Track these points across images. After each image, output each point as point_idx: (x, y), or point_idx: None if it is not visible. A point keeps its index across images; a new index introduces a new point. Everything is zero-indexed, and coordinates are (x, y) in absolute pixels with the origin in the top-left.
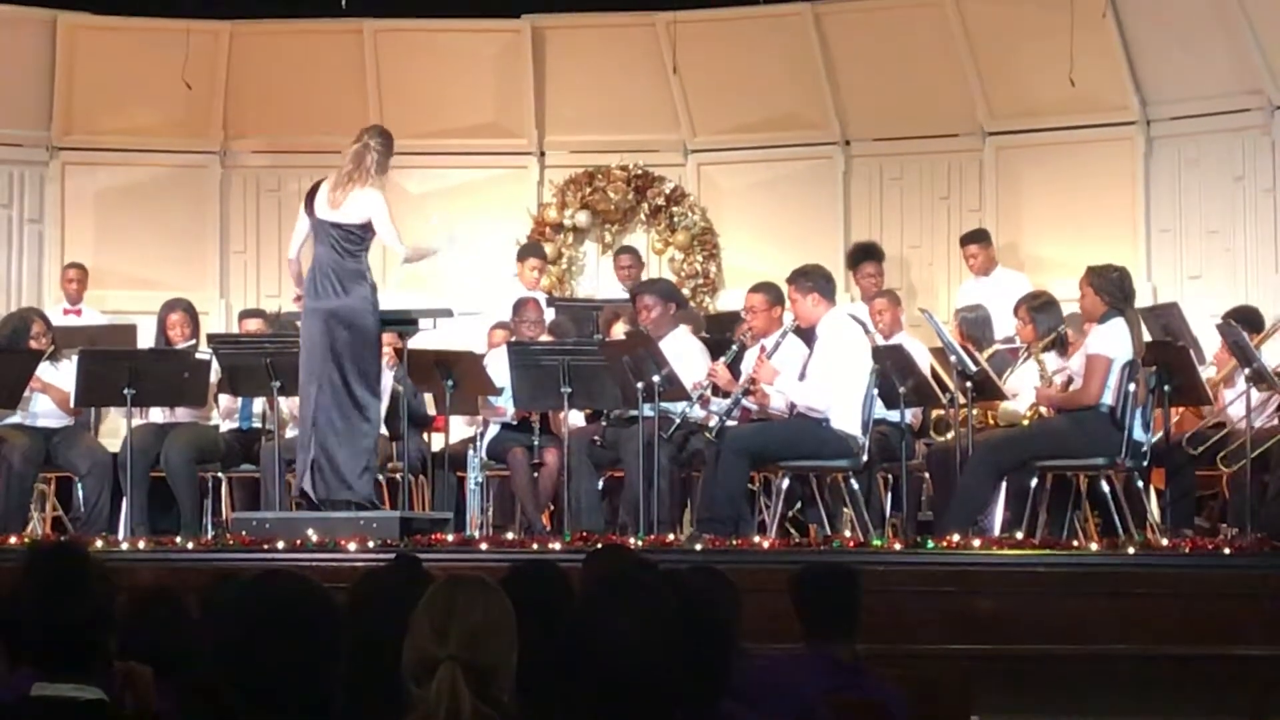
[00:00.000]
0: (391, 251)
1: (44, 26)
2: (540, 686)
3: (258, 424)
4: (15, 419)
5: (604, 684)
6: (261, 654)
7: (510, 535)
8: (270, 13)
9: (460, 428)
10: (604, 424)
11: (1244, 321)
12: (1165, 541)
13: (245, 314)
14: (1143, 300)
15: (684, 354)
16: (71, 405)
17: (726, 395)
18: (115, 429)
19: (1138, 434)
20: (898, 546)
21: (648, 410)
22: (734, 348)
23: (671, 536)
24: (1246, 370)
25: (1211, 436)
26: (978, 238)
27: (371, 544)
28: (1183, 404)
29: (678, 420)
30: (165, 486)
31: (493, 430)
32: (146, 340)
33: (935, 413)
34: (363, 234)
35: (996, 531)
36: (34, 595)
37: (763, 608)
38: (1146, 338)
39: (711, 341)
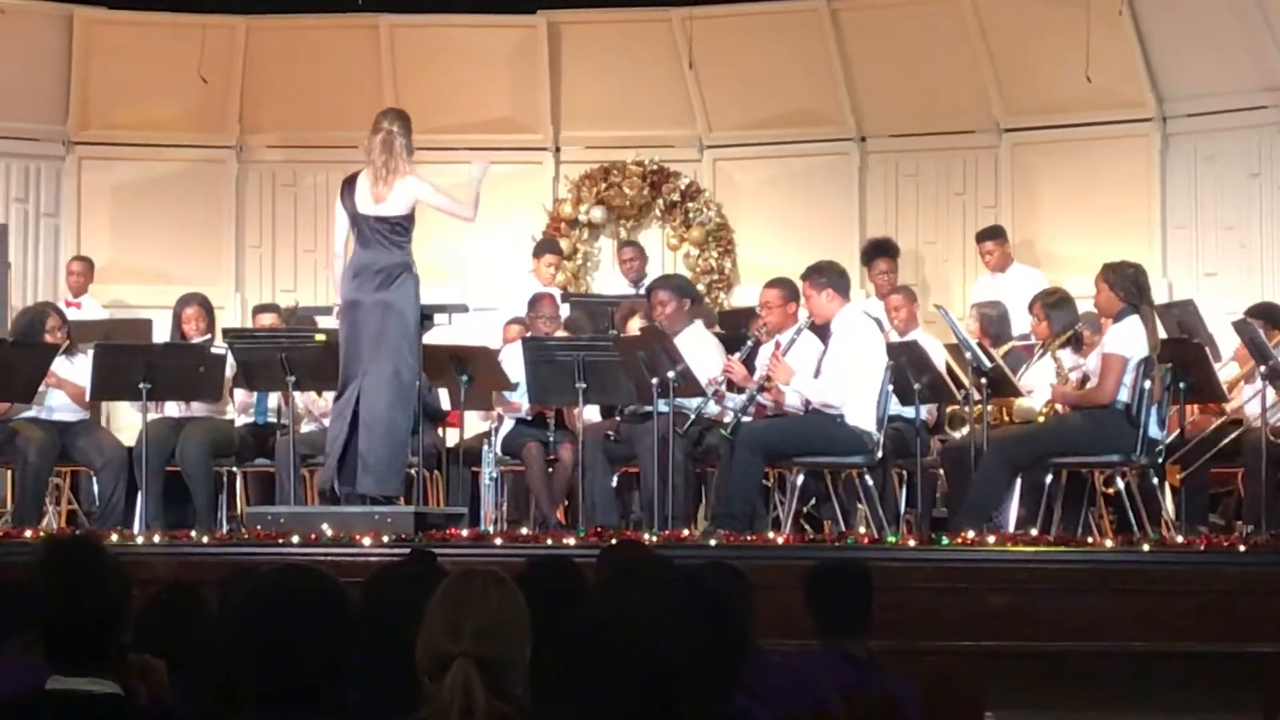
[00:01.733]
0: (463, 217)
1: (60, 21)
2: (554, 682)
3: (273, 419)
4: (30, 413)
5: (618, 679)
6: (276, 648)
7: (525, 530)
8: (286, 7)
9: (475, 423)
10: (619, 419)
11: (1265, 318)
12: (1180, 539)
13: (260, 308)
14: (1158, 297)
15: (699, 349)
16: (87, 399)
17: (741, 391)
18: (126, 423)
19: (1153, 431)
20: (912, 543)
21: (663, 406)
22: (749, 343)
23: (686, 532)
24: (1262, 368)
25: (1203, 454)
26: (993, 234)
27: (386, 539)
28: (1198, 401)
29: (693, 417)
30: (180, 481)
31: (507, 425)
32: (162, 335)
33: (950, 409)
34: (407, 225)
35: (1011, 528)
36: (49, 589)
37: (777, 604)
38: (1162, 335)
39: (726, 337)
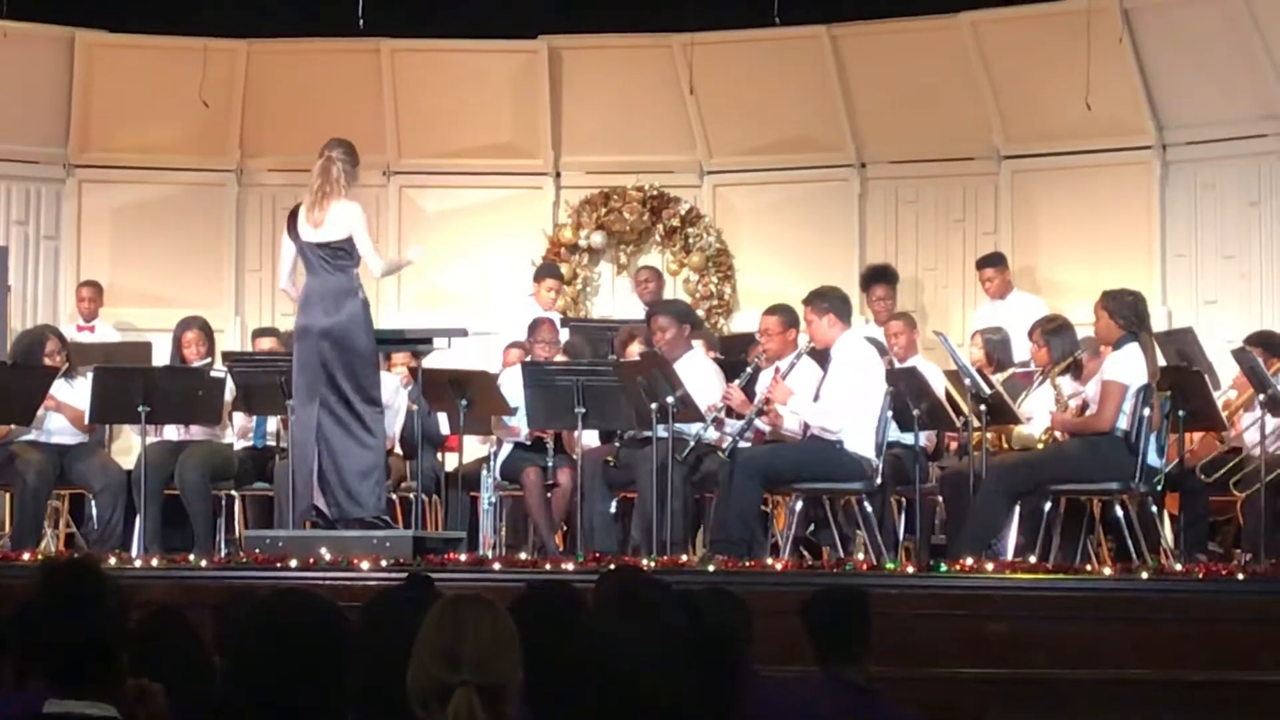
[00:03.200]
0: (369, 264)
1: (62, 44)
2: (552, 706)
3: (272, 442)
4: (29, 436)
5: (615, 704)
6: (274, 672)
7: (523, 556)
8: (288, 31)
9: (474, 447)
10: (618, 445)
11: (1265, 346)
12: (1179, 566)
13: (259, 332)
14: (1158, 325)
15: (698, 375)
16: (86, 422)
17: (740, 417)
18: (127, 446)
19: (1152, 459)
20: (911, 570)
21: (661, 431)
22: (748, 370)
23: (684, 558)
24: (1261, 396)
25: (1227, 462)
26: (994, 261)
27: (384, 563)
28: (1197, 429)
29: (692, 443)
30: (179, 504)
31: (506, 450)
32: (161, 358)
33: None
34: (349, 249)
35: (1010, 555)
36: (47, 612)
37: (775, 629)
38: (1161, 362)
39: (725, 363)
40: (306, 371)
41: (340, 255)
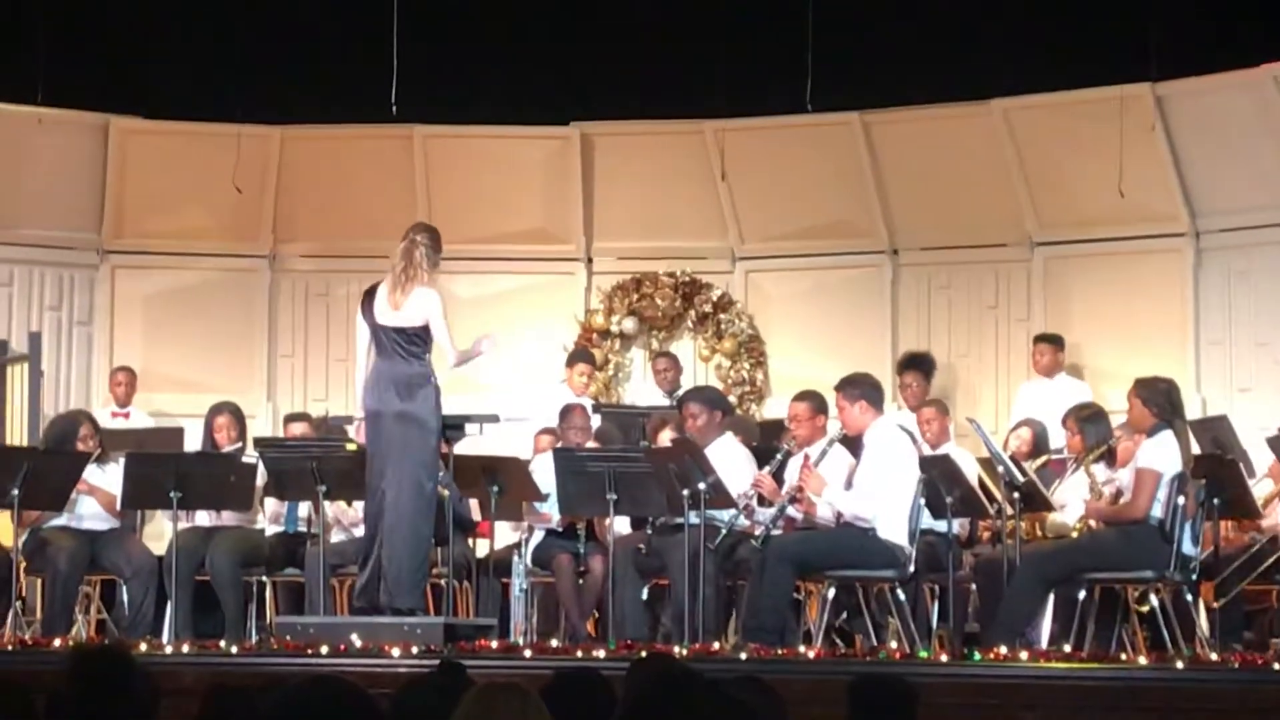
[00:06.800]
0: (442, 353)
1: (96, 130)
2: None
3: (303, 528)
4: (61, 521)
5: None
6: None
7: (554, 643)
8: (321, 118)
9: (505, 533)
10: (649, 531)
11: None
12: (1215, 656)
13: (291, 418)
14: (1192, 412)
15: (730, 461)
16: (118, 508)
17: (772, 504)
18: (160, 531)
19: (1187, 547)
20: (944, 658)
21: (694, 518)
22: (778, 456)
23: (716, 645)
24: None
25: (1264, 557)
26: (1051, 340)
27: (415, 650)
28: (1232, 517)
29: (724, 531)
30: (210, 590)
31: (538, 536)
32: (193, 443)
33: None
34: (424, 337)
35: (1044, 644)
36: (78, 698)
37: (808, 718)
38: (1195, 450)
39: (758, 450)
40: (384, 455)
41: (415, 342)
